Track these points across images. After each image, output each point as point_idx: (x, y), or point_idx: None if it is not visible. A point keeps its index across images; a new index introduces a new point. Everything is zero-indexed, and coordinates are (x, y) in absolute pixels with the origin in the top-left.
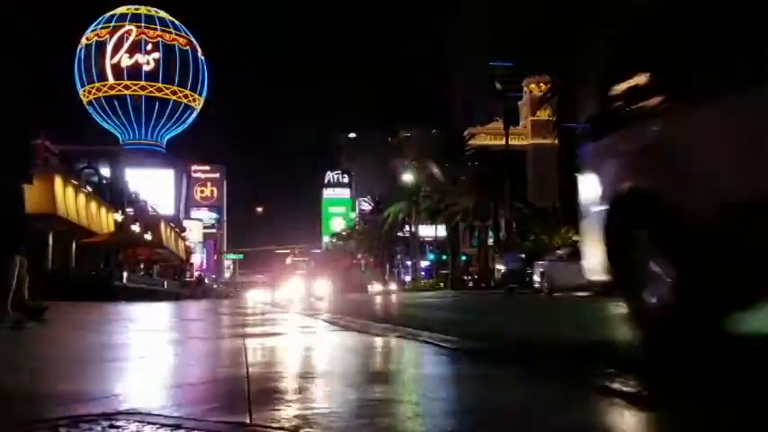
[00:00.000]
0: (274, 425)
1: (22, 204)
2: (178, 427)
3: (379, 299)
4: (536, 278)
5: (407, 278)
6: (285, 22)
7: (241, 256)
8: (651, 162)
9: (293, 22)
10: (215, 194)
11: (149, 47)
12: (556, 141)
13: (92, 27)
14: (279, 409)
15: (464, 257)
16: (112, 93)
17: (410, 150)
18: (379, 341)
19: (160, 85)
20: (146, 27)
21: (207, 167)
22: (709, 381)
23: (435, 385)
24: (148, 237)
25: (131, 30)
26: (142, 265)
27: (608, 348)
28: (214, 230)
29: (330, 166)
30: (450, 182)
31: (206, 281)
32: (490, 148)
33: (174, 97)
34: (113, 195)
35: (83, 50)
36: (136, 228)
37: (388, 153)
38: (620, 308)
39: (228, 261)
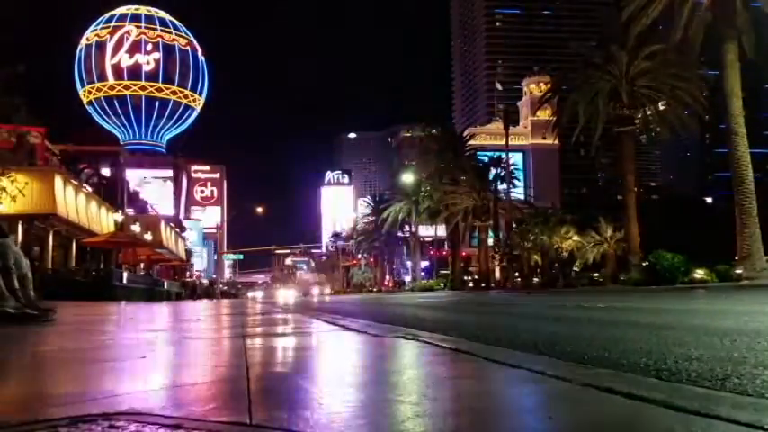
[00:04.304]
0: (274, 425)
1: None
2: (178, 427)
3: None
4: None
5: (407, 278)
6: (285, 22)
7: (241, 256)
8: None
9: (294, 22)
10: (215, 194)
11: (149, 47)
12: (556, 141)
13: (92, 27)
14: (279, 409)
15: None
16: (113, 93)
17: (410, 150)
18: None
19: (160, 85)
20: (146, 27)
21: (207, 167)
22: None
23: (435, 385)
24: (148, 237)
25: (131, 30)
26: (142, 265)
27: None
28: (214, 230)
29: (330, 166)
30: (450, 182)
31: (205, 281)
32: (490, 149)
33: (174, 97)
34: (113, 195)
35: (83, 51)
36: (136, 228)
37: (388, 153)
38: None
39: (228, 261)
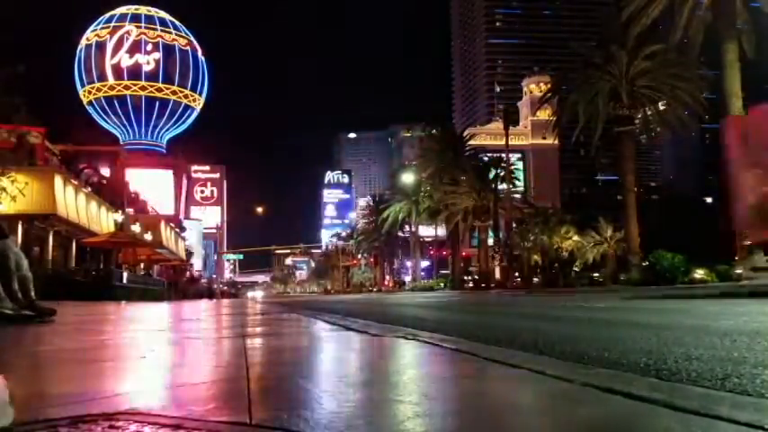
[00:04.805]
0: (274, 425)
1: None
2: (178, 427)
3: None
4: None
5: (407, 278)
6: (286, 22)
7: (241, 255)
8: None
9: (294, 22)
10: (215, 194)
11: (149, 47)
12: (556, 141)
13: (92, 27)
14: (279, 409)
15: None
16: (113, 93)
17: (410, 150)
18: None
19: (160, 85)
20: (146, 27)
21: (207, 167)
22: None
23: (435, 385)
24: (148, 237)
25: (131, 30)
26: (142, 265)
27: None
28: (214, 230)
29: (330, 166)
30: (450, 182)
31: (203, 280)
32: (490, 149)
33: (174, 97)
34: (113, 195)
35: (83, 51)
36: (136, 228)
37: (388, 153)
38: None
39: (228, 261)
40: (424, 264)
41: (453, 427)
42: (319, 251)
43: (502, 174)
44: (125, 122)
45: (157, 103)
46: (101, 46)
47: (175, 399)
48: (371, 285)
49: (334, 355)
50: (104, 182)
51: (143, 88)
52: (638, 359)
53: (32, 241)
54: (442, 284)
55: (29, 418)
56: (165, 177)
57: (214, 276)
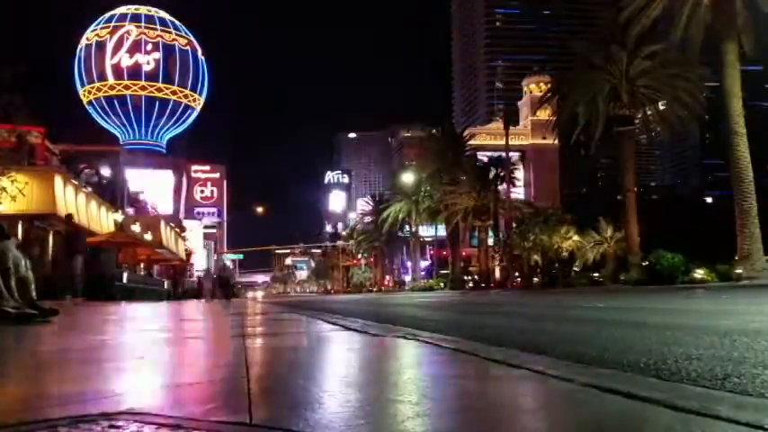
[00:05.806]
0: (274, 425)
1: None
2: (178, 427)
3: None
4: None
5: (407, 278)
6: (286, 22)
7: (241, 256)
8: None
9: (294, 22)
10: (215, 194)
11: (149, 47)
12: (556, 141)
13: (92, 27)
14: (279, 409)
15: None
16: (113, 93)
17: (410, 150)
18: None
19: (160, 85)
20: (146, 27)
21: (207, 167)
22: None
23: (435, 385)
24: (148, 237)
25: (131, 30)
26: (142, 265)
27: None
28: (214, 230)
29: (330, 166)
30: (450, 182)
31: (196, 277)
32: (490, 149)
33: (174, 97)
34: (113, 195)
35: (83, 50)
36: (136, 228)
37: (388, 153)
38: None
39: (228, 261)
40: (424, 264)
41: (453, 428)
42: (319, 251)
43: (502, 174)
44: (125, 122)
45: (157, 103)
46: (101, 46)
47: (175, 399)
48: (371, 285)
49: (334, 356)
50: (104, 182)
51: (143, 88)
52: (637, 359)
53: (32, 241)
54: (441, 284)
55: (29, 417)
56: (164, 177)
57: (215, 277)
